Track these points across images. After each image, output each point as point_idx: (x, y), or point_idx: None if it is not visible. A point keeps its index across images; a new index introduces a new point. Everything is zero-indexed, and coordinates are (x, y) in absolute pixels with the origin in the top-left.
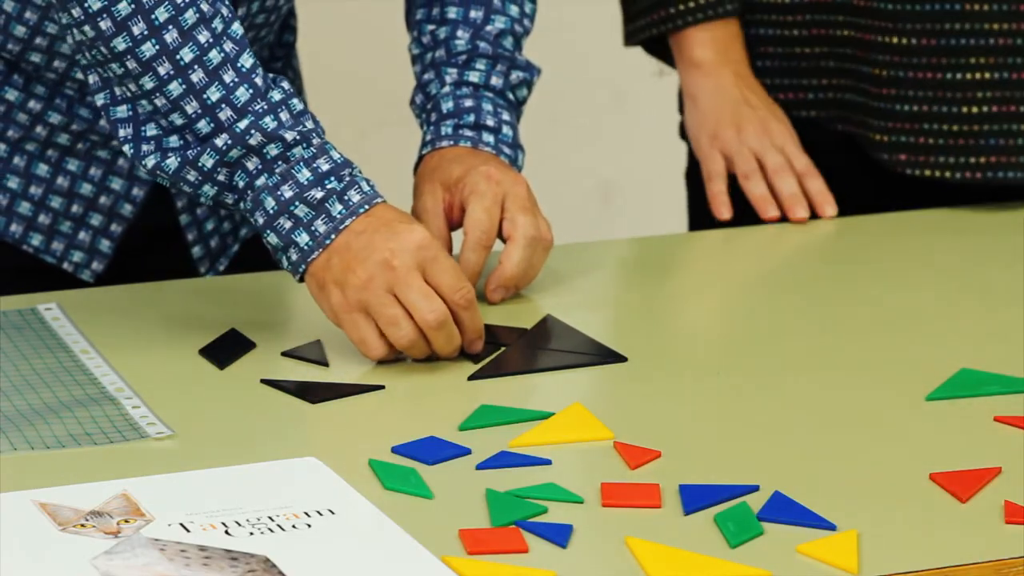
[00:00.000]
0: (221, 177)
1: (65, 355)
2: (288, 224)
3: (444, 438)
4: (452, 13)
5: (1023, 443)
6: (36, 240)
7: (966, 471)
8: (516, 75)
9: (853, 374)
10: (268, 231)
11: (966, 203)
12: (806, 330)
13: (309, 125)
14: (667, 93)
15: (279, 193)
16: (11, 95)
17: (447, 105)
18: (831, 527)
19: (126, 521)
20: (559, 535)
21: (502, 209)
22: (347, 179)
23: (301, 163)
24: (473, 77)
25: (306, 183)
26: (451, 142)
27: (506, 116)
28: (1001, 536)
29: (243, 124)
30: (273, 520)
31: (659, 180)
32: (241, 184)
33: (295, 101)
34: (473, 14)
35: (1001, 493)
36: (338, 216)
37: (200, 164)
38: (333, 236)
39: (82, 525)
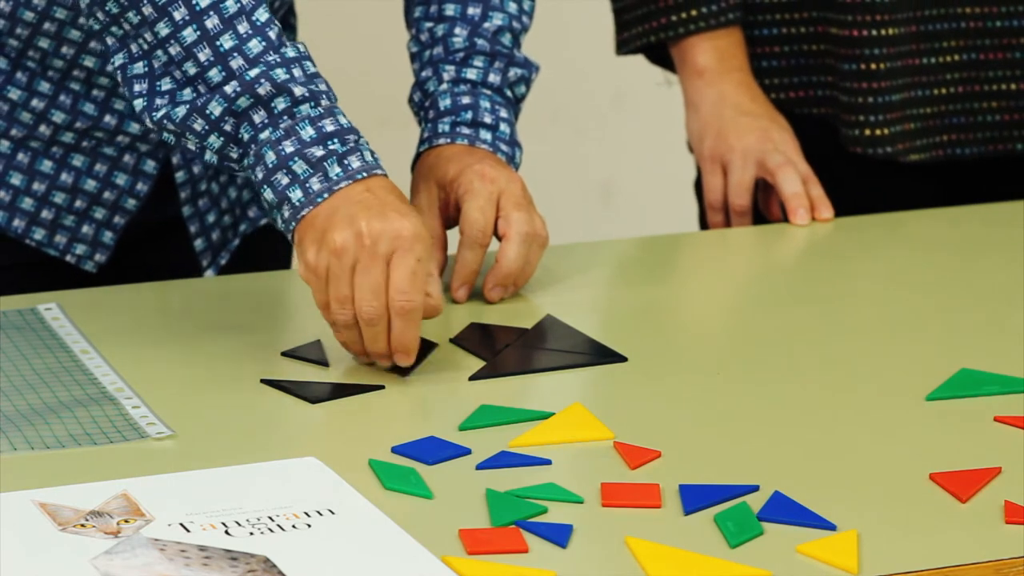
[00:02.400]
0: (227, 127)
1: (65, 355)
2: (285, 180)
3: (444, 438)
4: (450, 10)
5: (1023, 443)
6: (39, 234)
7: (966, 471)
8: (514, 72)
9: (853, 374)
10: (265, 186)
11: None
12: (806, 330)
13: (322, 87)
14: (668, 94)
15: (280, 148)
16: (14, 94)
17: (444, 102)
18: (831, 527)
19: (126, 521)
20: (559, 535)
21: (497, 207)
22: (351, 144)
23: (306, 120)
24: (471, 74)
25: (308, 140)
26: (448, 140)
27: (504, 113)
28: (1001, 536)
29: (254, 72)
30: (273, 520)
31: (659, 180)
32: (246, 137)
33: (309, 63)
34: (471, 11)
35: (1001, 493)
36: (334, 177)
37: (208, 112)
38: (326, 195)
39: (82, 525)
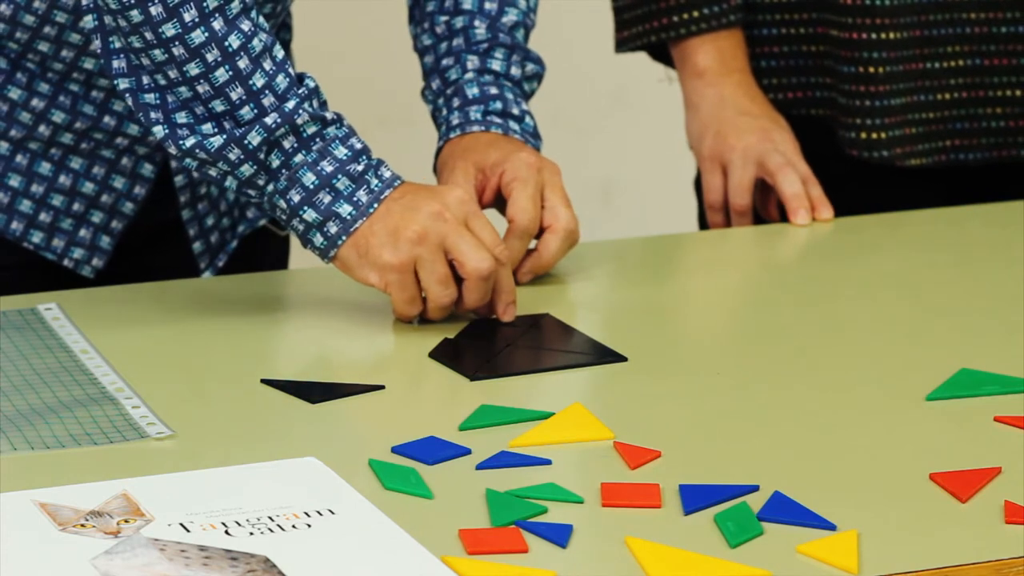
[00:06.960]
0: (261, 155)
1: (65, 355)
2: (328, 198)
3: (444, 438)
4: (467, 4)
5: (1023, 443)
6: (37, 237)
7: (966, 471)
8: (529, 67)
9: (853, 374)
10: (305, 207)
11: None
12: (806, 330)
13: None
14: (669, 93)
15: (319, 168)
16: (14, 94)
17: (472, 91)
18: (831, 527)
19: (126, 521)
20: (559, 535)
21: (542, 198)
22: (375, 158)
23: (337, 141)
24: (495, 65)
25: (344, 159)
26: (481, 127)
27: (525, 106)
28: (1001, 536)
29: (291, 104)
30: (273, 520)
31: (660, 180)
32: (275, 164)
33: (321, 91)
34: (488, 5)
35: (1001, 493)
36: (376, 188)
37: (247, 142)
38: (376, 205)
39: (82, 525)
